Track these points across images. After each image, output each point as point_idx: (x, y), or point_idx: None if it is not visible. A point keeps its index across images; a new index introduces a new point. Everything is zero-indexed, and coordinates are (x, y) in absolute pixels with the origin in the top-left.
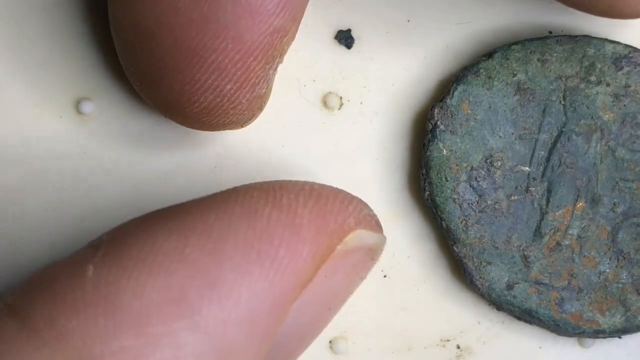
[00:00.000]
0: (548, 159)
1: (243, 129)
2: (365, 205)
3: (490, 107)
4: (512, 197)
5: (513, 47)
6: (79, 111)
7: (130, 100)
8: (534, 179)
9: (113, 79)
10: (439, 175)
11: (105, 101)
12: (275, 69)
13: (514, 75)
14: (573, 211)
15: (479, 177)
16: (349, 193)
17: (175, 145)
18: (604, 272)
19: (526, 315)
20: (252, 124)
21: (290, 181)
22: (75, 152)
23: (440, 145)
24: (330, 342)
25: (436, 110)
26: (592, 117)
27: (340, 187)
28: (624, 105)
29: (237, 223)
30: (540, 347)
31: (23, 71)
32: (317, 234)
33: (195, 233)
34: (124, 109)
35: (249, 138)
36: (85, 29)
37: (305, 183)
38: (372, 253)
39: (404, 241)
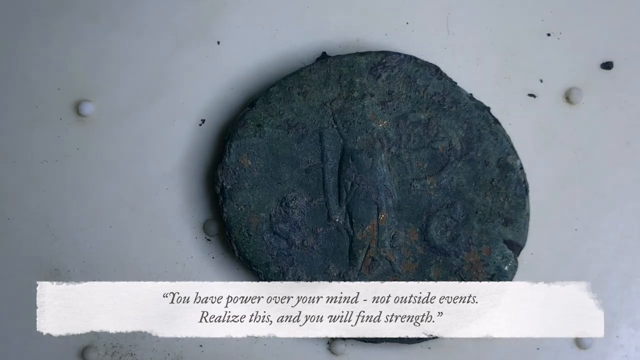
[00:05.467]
0: (339, 184)
1: None
2: None
3: (268, 153)
4: (318, 230)
5: (271, 89)
6: (78, 113)
7: (129, 102)
8: (332, 206)
9: (112, 81)
10: (241, 232)
11: (104, 103)
12: None
13: (281, 115)
14: (378, 225)
15: (279, 221)
16: None
17: (174, 148)
18: (425, 271)
19: (370, 338)
20: None
21: None
22: (75, 154)
23: (233, 203)
24: None
25: (219, 171)
26: (367, 131)
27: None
28: (394, 110)
29: None
30: (538, 349)
31: (23, 73)
32: None
33: None
34: (123, 110)
35: None
36: (86, 30)
37: None
38: None
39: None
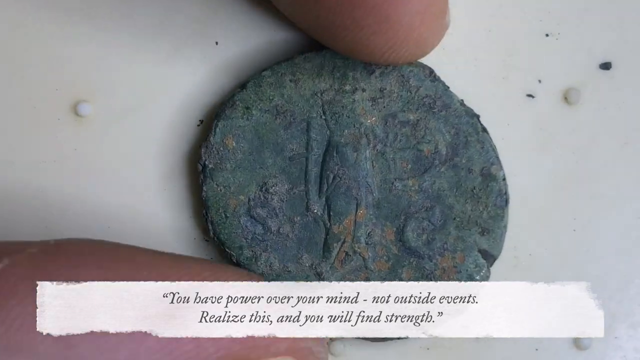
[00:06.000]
0: (321, 175)
1: None
2: (314, 340)
3: (254, 137)
4: (295, 219)
5: (264, 73)
6: (77, 113)
7: (127, 103)
8: (312, 197)
9: (111, 82)
10: (218, 212)
11: (103, 104)
12: None
13: (271, 100)
14: (355, 220)
15: (257, 206)
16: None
17: (172, 148)
18: (397, 272)
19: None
20: None
21: None
22: (73, 154)
23: (213, 183)
24: None
25: (202, 149)
26: (354, 125)
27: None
28: (384, 107)
29: None
30: (537, 349)
31: (21, 73)
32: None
33: None
34: (121, 111)
35: None
36: (84, 31)
37: None
38: None
39: None
